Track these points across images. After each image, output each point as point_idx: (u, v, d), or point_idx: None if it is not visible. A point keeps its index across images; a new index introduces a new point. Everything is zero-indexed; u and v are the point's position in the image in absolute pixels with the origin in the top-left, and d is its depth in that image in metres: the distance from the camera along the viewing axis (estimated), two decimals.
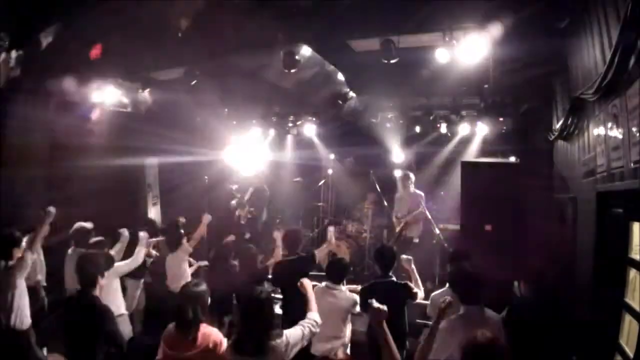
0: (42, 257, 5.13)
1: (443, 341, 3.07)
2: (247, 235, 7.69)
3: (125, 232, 5.27)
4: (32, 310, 4.40)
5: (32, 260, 4.31)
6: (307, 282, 3.46)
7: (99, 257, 3.96)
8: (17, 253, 4.28)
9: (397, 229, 7.74)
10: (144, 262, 5.45)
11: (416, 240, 7.61)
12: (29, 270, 4.32)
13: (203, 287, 3.19)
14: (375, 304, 2.83)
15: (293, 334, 2.97)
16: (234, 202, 8.48)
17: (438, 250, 7.81)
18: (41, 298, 4.98)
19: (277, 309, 5.74)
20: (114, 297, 4.52)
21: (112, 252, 4.98)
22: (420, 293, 4.41)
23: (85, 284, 3.64)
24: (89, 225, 5.26)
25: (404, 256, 4.72)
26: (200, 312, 3.06)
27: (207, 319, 3.20)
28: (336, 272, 4.43)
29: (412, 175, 7.79)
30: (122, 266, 4.75)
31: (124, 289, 5.08)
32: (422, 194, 7.72)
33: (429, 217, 7.48)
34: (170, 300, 5.21)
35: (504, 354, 2.36)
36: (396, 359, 2.69)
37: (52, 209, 4.66)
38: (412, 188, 7.70)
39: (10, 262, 4.23)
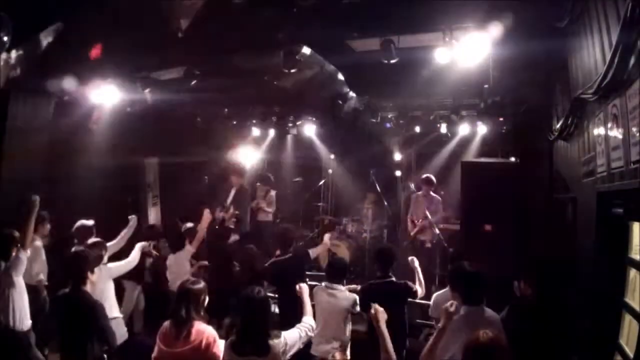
0: (43, 257, 5.14)
1: (445, 341, 3.07)
2: (232, 238, 7.56)
3: (134, 218, 5.47)
4: (32, 310, 4.41)
5: (26, 257, 4.29)
6: (304, 288, 3.53)
7: (87, 253, 3.96)
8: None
9: (412, 233, 7.74)
10: (143, 262, 5.45)
11: (428, 245, 7.62)
12: (26, 268, 4.31)
13: (200, 285, 3.20)
14: (376, 306, 3.06)
15: (290, 336, 2.98)
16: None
17: (438, 250, 7.81)
18: (42, 298, 4.98)
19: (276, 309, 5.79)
20: (109, 300, 4.49)
21: (118, 238, 5.17)
22: (421, 291, 4.41)
23: (75, 280, 3.66)
24: (90, 222, 5.27)
25: (410, 258, 4.74)
26: (194, 310, 3.07)
27: (205, 317, 3.21)
28: (336, 272, 4.43)
29: (434, 180, 7.85)
30: (118, 267, 4.73)
31: (122, 291, 5.08)
32: (440, 198, 7.75)
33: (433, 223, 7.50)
34: (171, 300, 5.22)
35: (506, 354, 2.36)
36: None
37: (36, 197, 4.45)
38: (432, 192, 7.78)
39: (9, 263, 4.24)
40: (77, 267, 3.69)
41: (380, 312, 3.02)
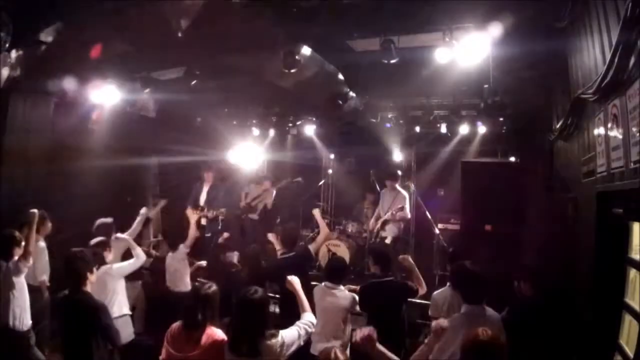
0: (46, 258, 5.13)
1: (445, 340, 3.07)
2: (209, 234, 7.54)
3: (143, 210, 5.80)
4: (34, 310, 4.41)
5: (27, 268, 4.30)
6: (294, 280, 3.43)
7: (86, 253, 3.95)
8: (17, 253, 4.29)
9: (374, 228, 7.65)
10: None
11: (388, 241, 7.43)
12: (26, 272, 4.32)
13: (214, 288, 3.20)
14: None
15: (288, 334, 2.98)
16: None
17: (438, 250, 7.81)
18: (45, 298, 4.98)
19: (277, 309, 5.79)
20: (119, 297, 4.53)
21: (127, 233, 5.30)
22: (422, 290, 4.40)
23: (75, 281, 3.64)
24: (109, 220, 5.39)
25: (401, 256, 4.70)
26: (208, 315, 3.07)
27: (217, 321, 3.20)
28: (335, 272, 4.43)
29: (398, 173, 7.84)
30: (126, 266, 4.76)
31: None
32: (406, 194, 7.61)
33: (408, 217, 7.39)
34: (171, 299, 5.25)
35: (504, 353, 2.37)
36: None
37: (34, 211, 4.47)
38: (398, 187, 7.68)
39: (11, 263, 4.24)
40: (76, 268, 3.67)
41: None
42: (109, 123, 7.25)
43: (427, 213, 7.81)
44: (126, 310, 4.64)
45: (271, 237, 5.52)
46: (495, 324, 3.21)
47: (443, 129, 8.54)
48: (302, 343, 3.09)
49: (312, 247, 5.12)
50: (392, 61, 5.03)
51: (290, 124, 10.00)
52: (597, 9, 3.43)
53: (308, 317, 3.21)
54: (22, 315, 4.22)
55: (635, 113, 2.69)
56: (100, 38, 5.32)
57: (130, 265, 4.79)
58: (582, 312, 3.90)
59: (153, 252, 6.46)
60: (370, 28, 5.04)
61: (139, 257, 4.86)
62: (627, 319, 3.24)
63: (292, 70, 5.56)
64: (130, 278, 5.48)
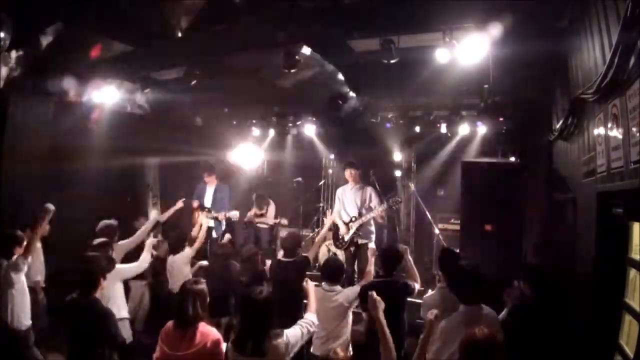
0: (42, 258, 5.13)
1: (444, 341, 3.07)
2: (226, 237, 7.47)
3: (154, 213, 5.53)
4: (31, 310, 4.40)
5: (26, 265, 4.29)
6: (311, 285, 3.57)
7: (100, 258, 3.93)
8: (18, 253, 4.29)
9: (347, 237, 6.56)
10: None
11: (372, 246, 6.41)
12: (25, 270, 4.32)
13: (202, 284, 3.20)
14: (374, 295, 3.04)
15: (293, 334, 2.98)
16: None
17: (438, 250, 7.81)
18: (40, 299, 4.97)
19: None
20: (117, 300, 4.51)
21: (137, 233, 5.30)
22: (417, 285, 4.42)
23: (87, 286, 3.62)
24: (114, 222, 5.35)
25: (402, 246, 4.71)
26: (199, 309, 3.06)
27: (207, 318, 3.21)
28: (332, 272, 4.44)
29: (358, 165, 6.74)
30: (127, 270, 4.73)
31: (128, 290, 5.09)
32: (372, 188, 6.65)
33: (383, 215, 6.52)
34: (172, 300, 5.25)
35: (501, 351, 2.38)
36: (391, 350, 2.85)
37: (50, 206, 4.49)
38: (360, 182, 6.67)
39: (10, 263, 4.24)
40: (90, 273, 3.64)
41: (377, 301, 2.99)
42: (109, 123, 7.25)
43: (427, 213, 7.80)
44: (124, 313, 4.61)
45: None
46: (493, 323, 3.21)
47: (443, 129, 8.53)
48: (304, 342, 3.11)
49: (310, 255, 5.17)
50: (392, 61, 5.03)
51: (290, 124, 9.99)
52: (597, 9, 3.43)
53: (310, 317, 3.22)
54: (21, 314, 4.21)
55: (635, 113, 2.69)
56: (100, 38, 5.33)
57: (132, 268, 4.77)
58: (582, 312, 3.90)
59: (153, 252, 6.45)
60: (370, 28, 5.03)
61: (142, 263, 4.84)
62: (627, 319, 3.24)
63: (292, 70, 5.56)
64: (135, 277, 5.51)
